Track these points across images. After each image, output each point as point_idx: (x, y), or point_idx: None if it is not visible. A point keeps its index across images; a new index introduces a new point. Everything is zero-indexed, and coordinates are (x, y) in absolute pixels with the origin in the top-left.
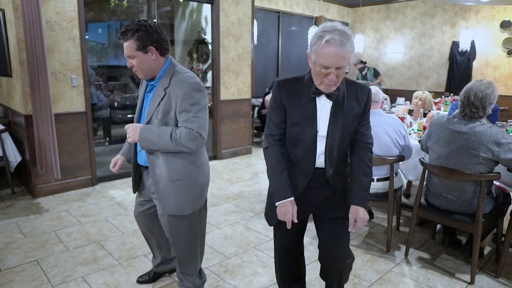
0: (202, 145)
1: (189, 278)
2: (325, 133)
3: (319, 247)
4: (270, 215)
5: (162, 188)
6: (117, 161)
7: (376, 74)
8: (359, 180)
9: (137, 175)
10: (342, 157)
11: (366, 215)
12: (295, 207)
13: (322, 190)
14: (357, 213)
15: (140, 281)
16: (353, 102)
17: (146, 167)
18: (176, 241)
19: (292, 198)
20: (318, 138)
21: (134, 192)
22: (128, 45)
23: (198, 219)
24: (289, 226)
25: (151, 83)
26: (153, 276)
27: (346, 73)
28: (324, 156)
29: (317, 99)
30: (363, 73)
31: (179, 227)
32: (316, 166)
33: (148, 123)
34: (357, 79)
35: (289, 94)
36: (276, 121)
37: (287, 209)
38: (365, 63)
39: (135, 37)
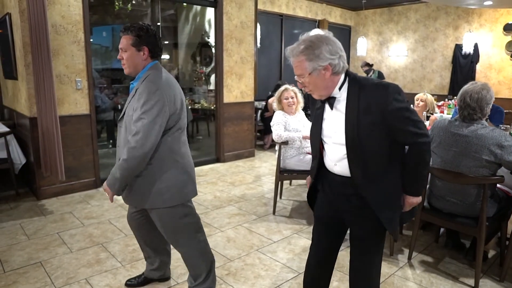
0: (146, 153)
1: (193, 278)
2: (338, 140)
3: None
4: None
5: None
6: None
7: (380, 78)
8: (407, 168)
9: None
10: (373, 168)
11: (415, 200)
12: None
13: (348, 198)
14: (406, 198)
15: (129, 284)
16: (369, 108)
17: None
18: (169, 238)
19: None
20: (333, 146)
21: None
22: (125, 39)
23: (172, 215)
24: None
25: (131, 82)
26: (142, 281)
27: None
28: (349, 164)
29: (326, 106)
30: (369, 75)
31: (159, 221)
32: (337, 173)
33: (121, 118)
34: None
35: (313, 100)
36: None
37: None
38: (371, 65)
39: (134, 33)
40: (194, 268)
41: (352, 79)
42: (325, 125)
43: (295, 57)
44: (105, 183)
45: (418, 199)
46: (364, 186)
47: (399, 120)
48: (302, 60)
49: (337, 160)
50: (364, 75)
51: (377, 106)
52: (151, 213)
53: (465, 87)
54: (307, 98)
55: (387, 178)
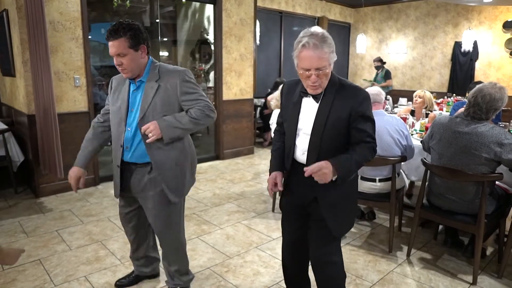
0: (214, 119)
1: (178, 276)
2: (308, 131)
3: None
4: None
5: (166, 174)
6: (80, 174)
7: (386, 76)
8: (350, 151)
9: (123, 175)
10: (327, 157)
11: (327, 173)
12: (279, 178)
13: (312, 187)
14: (322, 165)
15: (119, 285)
16: (341, 105)
17: (135, 164)
18: (167, 232)
19: (275, 172)
20: (302, 136)
21: (117, 197)
22: (120, 43)
23: (182, 206)
24: (270, 194)
25: (139, 79)
26: (133, 279)
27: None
28: (308, 151)
29: (304, 100)
30: (378, 72)
31: (170, 217)
32: (302, 162)
33: (143, 117)
34: (374, 79)
35: (287, 95)
36: (279, 113)
37: (268, 180)
38: (383, 63)
39: (128, 35)
40: (180, 261)
41: (333, 76)
42: (301, 117)
43: (320, 49)
44: (156, 124)
45: (329, 176)
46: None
47: (363, 121)
48: (327, 52)
49: (305, 149)
50: (372, 70)
51: (348, 104)
52: (167, 206)
53: (482, 85)
54: (281, 91)
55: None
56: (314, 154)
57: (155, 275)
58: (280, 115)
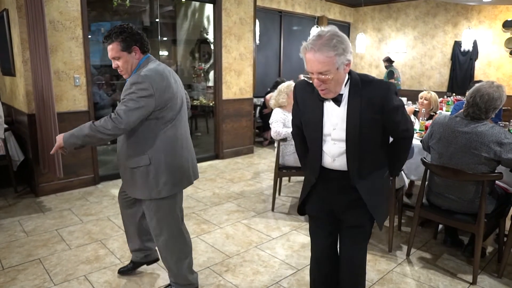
0: (119, 128)
1: (178, 278)
2: (338, 136)
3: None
4: (302, 206)
5: (122, 172)
6: None
7: (388, 76)
8: (394, 156)
9: None
10: (368, 162)
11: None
12: None
13: (345, 193)
14: None
15: (121, 271)
16: (369, 103)
17: None
18: (154, 229)
19: None
20: (331, 142)
21: None
22: (113, 47)
23: (164, 206)
24: None
25: (127, 79)
26: (132, 267)
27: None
28: (347, 159)
29: (325, 103)
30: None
31: (150, 211)
32: (335, 168)
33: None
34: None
35: (303, 97)
36: (295, 115)
37: None
38: (392, 62)
39: (120, 38)
40: (168, 259)
41: (353, 76)
42: (325, 122)
43: (321, 52)
44: (62, 135)
45: None
46: (358, 179)
47: (397, 115)
48: (332, 56)
49: (336, 155)
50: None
51: (378, 102)
52: (142, 203)
53: (480, 84)
54: (295, 92)
55: (379, 172)
56: (354, 160)
57: (153, 261)
58: (296, 117)
